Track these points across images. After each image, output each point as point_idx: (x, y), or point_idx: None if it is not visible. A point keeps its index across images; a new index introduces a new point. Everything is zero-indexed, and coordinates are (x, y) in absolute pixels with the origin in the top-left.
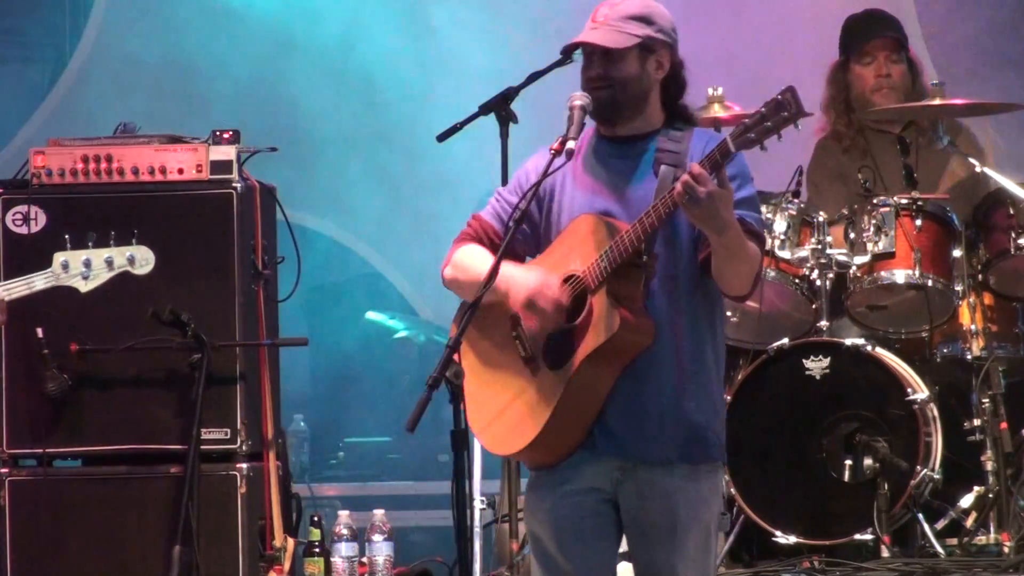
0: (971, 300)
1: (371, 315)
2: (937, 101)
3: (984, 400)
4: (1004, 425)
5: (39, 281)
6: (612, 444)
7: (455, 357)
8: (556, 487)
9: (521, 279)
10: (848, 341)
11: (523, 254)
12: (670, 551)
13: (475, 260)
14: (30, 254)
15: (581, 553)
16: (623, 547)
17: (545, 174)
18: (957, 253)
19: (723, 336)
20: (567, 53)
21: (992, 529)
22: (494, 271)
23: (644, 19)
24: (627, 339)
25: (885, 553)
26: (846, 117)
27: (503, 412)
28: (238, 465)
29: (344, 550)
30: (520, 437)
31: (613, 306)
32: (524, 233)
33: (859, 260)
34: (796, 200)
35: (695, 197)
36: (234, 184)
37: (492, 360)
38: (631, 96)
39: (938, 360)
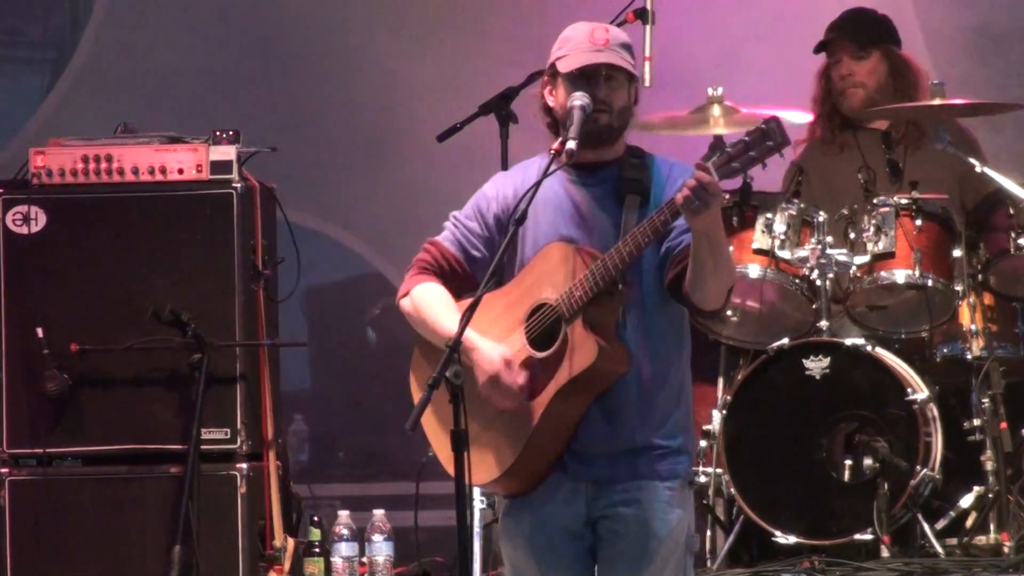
0: (971, 300)
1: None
2: (937, 101)
3: (984, 400)
4: (1004, 425)
5: None
6: (583, 468)
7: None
8: (532, 512)
9: (486, 353)
10: (848, 341)
11: (478, 280)
12: (641, 563)
13: (433, 304)
14: (30, 254)
15: None
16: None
17: (545, 174)
18: (957, 253)
19: (690, 349)
20: (576, 76)
21: (992, 529)
22: (493, 272)
23: (629, 49)
24: (604, 368)
25: (885, 553)
26: (829, 120)
27: (475, 441)
28: (238, 465)
29: (344, 550)
30: (493, 467)
31: (590, 335)
32: (483, 258)
33: (859, 260)
34: (796, 200)
35: (709, 196)
36: (234, 184)
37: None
38: (622, 124)
39: (938, 360)
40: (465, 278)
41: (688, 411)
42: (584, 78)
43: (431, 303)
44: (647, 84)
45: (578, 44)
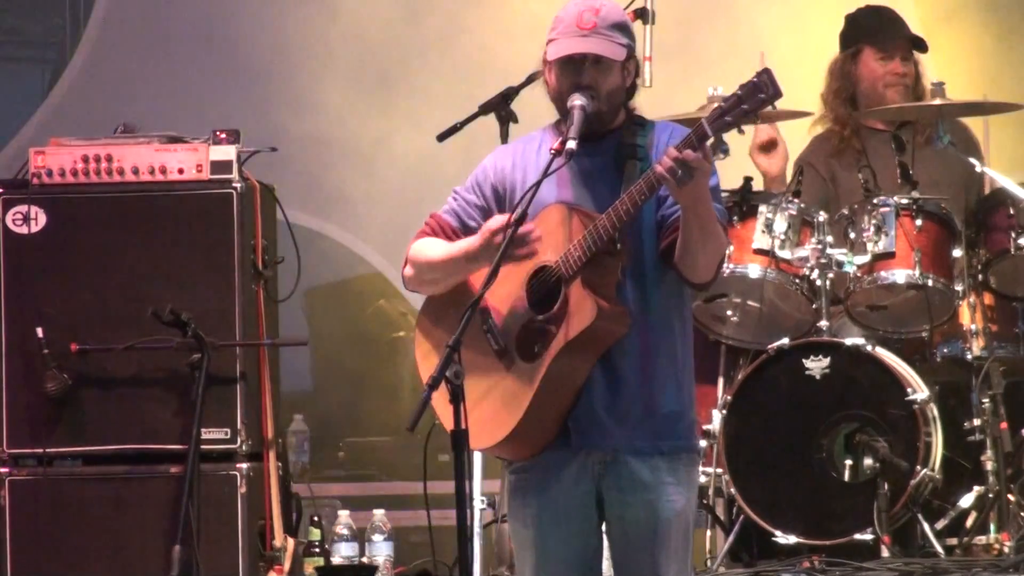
0: (971, 300)
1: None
2: (937, 101)
3: (984, 400)
4: (1004, 425)
5: None
6: (587, 437)
7: (455, 356)
8: (540, 492)
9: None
10: (848, 341)
11: None
12: (652, 546)
13: (428, 248)
14: (30, 254)
15: (566, 557)
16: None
17: (545, 174)
18: (957, 253)
19: (691, 324)
20: (564, 61)
21: (992, 529)
22: (494, 270)
23: (624, 28)
24: (604, 328)
25: (885, 553)
26: (847, 110)
27: (477, 406)
28: (238, 465)
29: (344, 550)
30: (497, 431)
31: (589, 295)
32: (479, 228)
33: (859, 260)
34: (796, 200)
35: (689, 167)
36: (234, 184)
37: (463, 355)
38: (615, 105)
39: (938, 360)
40: None
41: (690, 380)
42: (571, 64)
43: (428, 247)
44: (648, 84)
45: (566, 27)
